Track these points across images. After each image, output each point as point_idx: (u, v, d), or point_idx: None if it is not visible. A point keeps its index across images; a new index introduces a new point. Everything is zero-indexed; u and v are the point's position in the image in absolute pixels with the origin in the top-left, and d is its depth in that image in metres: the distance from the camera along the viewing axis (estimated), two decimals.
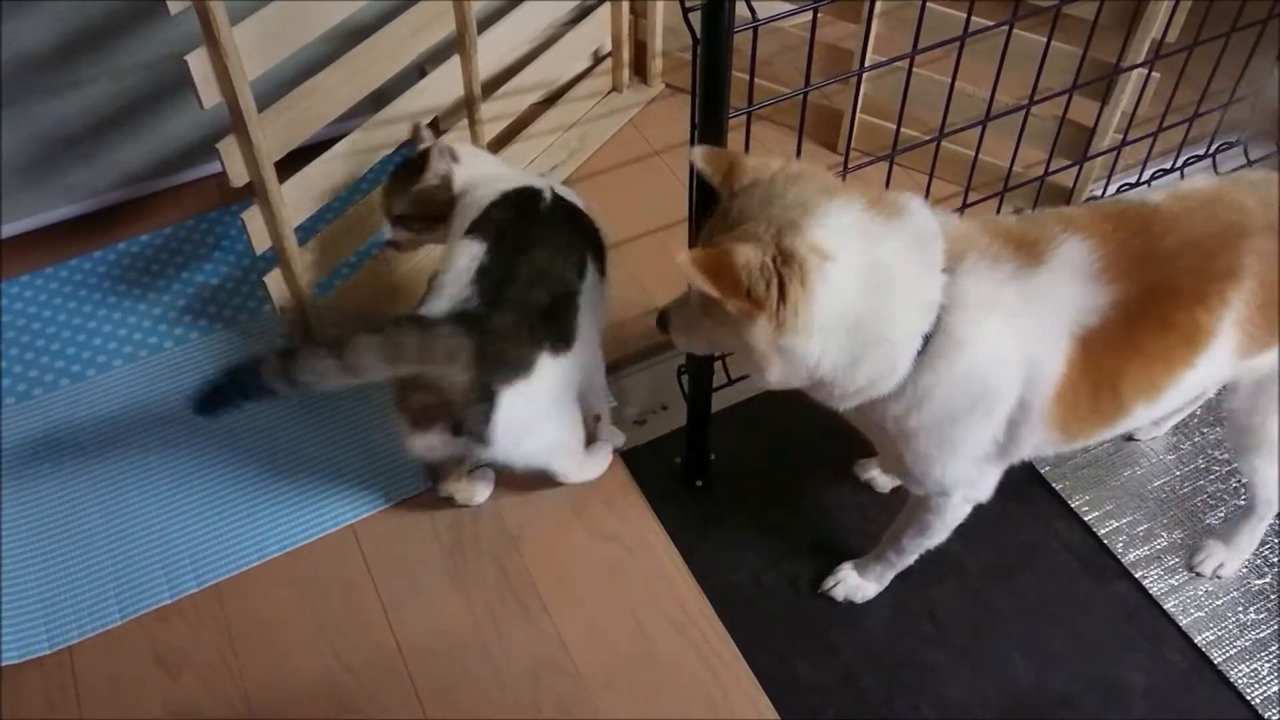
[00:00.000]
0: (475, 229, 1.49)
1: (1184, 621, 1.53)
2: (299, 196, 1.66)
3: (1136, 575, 1.58)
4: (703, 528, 1.64)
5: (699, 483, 1.72)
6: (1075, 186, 2.06)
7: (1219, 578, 1.58)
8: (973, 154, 1.79)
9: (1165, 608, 1.54)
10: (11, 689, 1.46)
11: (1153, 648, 1.51)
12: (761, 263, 1.06)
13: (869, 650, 1.52)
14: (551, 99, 2.23)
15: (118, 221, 2.09)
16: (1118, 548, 1.61)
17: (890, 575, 1.55)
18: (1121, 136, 1.94)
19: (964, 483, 1.31)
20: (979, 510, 1.65)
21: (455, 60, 1.83)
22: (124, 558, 1.59)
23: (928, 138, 1.70)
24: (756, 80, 1.36)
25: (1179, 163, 2.05)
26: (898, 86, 1.65)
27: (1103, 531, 1.62)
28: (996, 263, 1.15)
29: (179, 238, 2.06)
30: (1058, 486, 1.69)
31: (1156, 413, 1.28)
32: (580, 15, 2.20)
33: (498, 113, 2.02)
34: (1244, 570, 1.58)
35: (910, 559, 1.50)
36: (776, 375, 1.14)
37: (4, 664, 1.47)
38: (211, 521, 1.63)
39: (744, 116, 1.40)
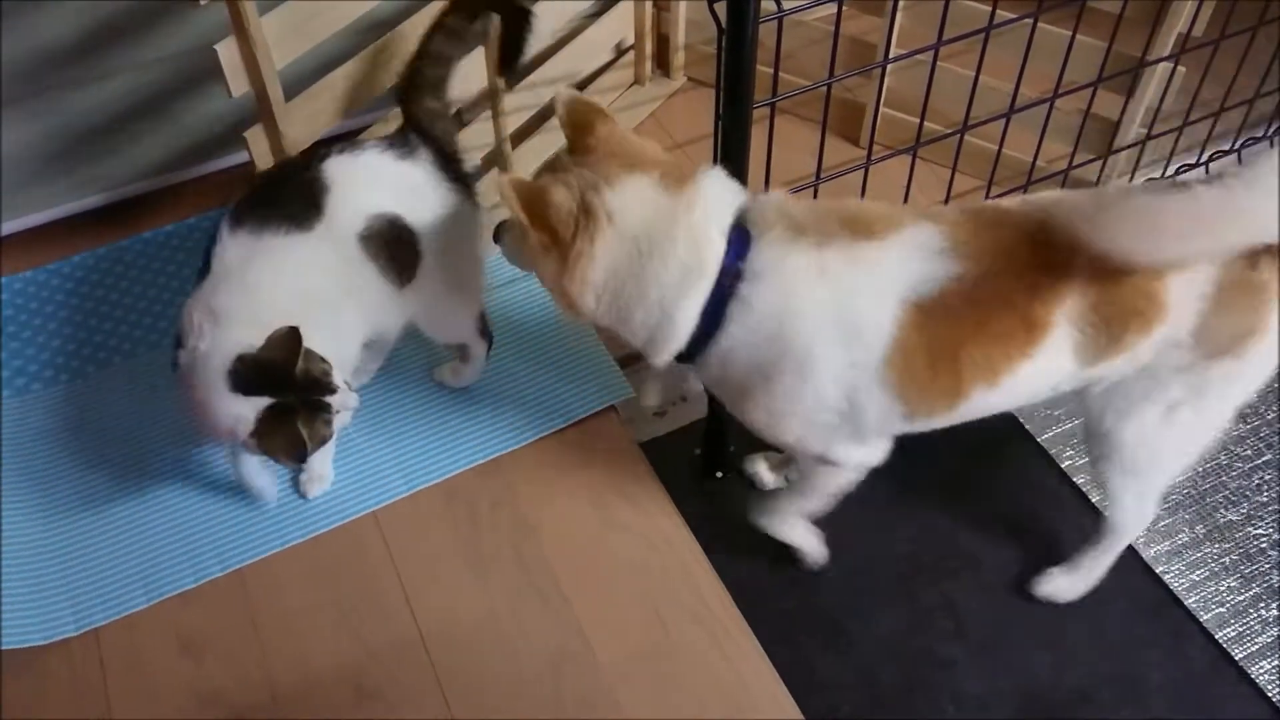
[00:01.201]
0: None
1: (1205, 617, 1.52)
2: None
3: (1157, 570, 1.58)
4: (722, 519, 1.65)
5: (719, 474, 1.73)
6: (1099, 181, 2.05)
7: (1053, 599, 1.56)
8: (996, 148, 1.79)
9: (1186, 604, 1.54)
10: (39, 669, 1.48)
11: (1173, 643, 1.51)
12: (569, 208, 1.21)
13: (888, 644, 1.52)
14: (576, 89, 2.23)
15: (142, 212, 2.11)
16: (1138, 542, 1.60)
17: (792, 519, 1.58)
18: (1146, 131, 1.93)
19: (827, 453, 1.36)
20: (997, 504, 1.66)
21: (479, 51, 1.83)
22: (148, 543, 1.61)
23: (950, 131, 1.70)
24: (779, 74, 1.36)
25: (1204, 157, 2.04)
26: (921, 80, 1.65)
27: None
28: (804, 234, 1.22)
29: (201, 228, 2.08)
30: (1078, 480, 1.69)
31: (998, 402, 1.30)
32: (603, 8, 2.20)
33: (519, 104, 2.03)
34: (1266, 566, 1.58)
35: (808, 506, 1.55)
36: (562, 311, 1.29)
37: (34, 644, 1.49)
38: (234, 507, 1.64)
39: (767, 108, 1.40)
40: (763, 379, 1.28)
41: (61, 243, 2.04)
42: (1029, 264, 1.20)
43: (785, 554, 1.60)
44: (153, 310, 1.94)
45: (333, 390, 1.36)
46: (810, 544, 1.59)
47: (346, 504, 1.66)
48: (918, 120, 1.67)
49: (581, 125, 1.27)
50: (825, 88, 1.48)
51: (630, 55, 2.31)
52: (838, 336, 1.22)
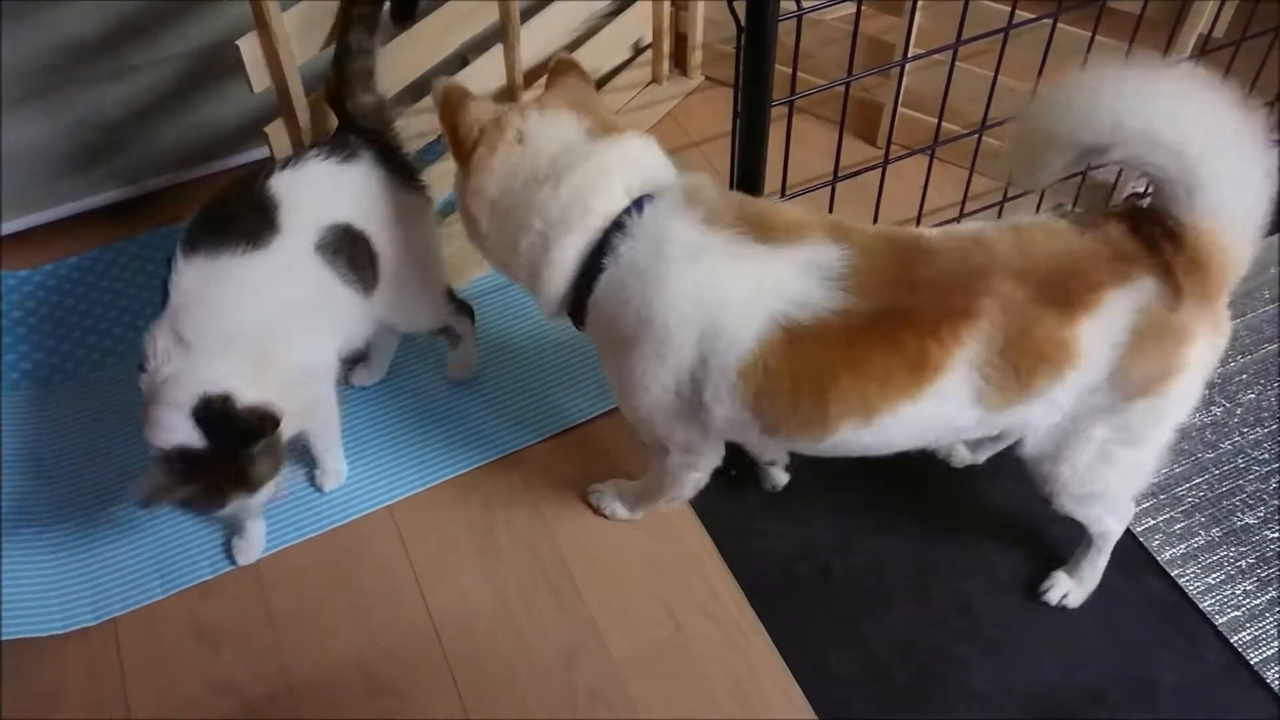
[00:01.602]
0: None
1: (1220, 620, 1.52)
2: None
3: (1173, 574, 1.57)
4: (734, 516, 1.65)
5: (732, 472, 1.72)
6: (1116, 184, 2.04)
7: (1065, 607, 1.55)
8: None
9: (1201, 606, 1.53)
10: (58, 657, 1.50)
11: (1188, 646, 1.50)
12: (480, 119, 1.27)
13: (900, 641, 1.52)
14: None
15: (161, 206, 2.12)
16: (1154, 545, 1.60)
17: (627, 506, 1.63)
18: None
19: (668, 438, 1.37)
20: (1011, 503, 1.65)
21: (498, 49, 1.84)
22: (166, 534, 1.62)
23: (968, 131, 1.70)
24: (797, 73, 1.36)
25: None
26: (939, 80, 1.65)
27: (1139, 529, 1.61)
28: (696, 208, 1.21)
29: None
30: None
31: (881, 442, 1.26)
32: (621, 7, 2.21)
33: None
34: None
35: (647, 506, 1.61)
36: (467, 229, 1.33)
37: (54, 633, 1.50)
38: None
39: (784, 106, 1.41)
40: (622, 345, 1.26)
41: (77, 237, 2.06)
42: (931, 304, 1.16)
43: (799, 552, 1.60)
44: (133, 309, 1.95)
45: (275, 430, 1.34)
46: (617, 512, 1.63)
47: (361, 498, 1.67)
48: (935, 120, 1.67)
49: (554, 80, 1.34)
50: (844, 87, 1.48)
51: (648, 54, 2.32)
52: (695, 329, 1.20)
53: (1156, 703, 1.45)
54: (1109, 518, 1.46)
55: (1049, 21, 1.59)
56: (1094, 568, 1.53)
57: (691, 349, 1.21)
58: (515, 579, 1.58)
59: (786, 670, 1.48)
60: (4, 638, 1.46)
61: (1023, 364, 1.18)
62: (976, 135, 1.66)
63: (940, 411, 1.21)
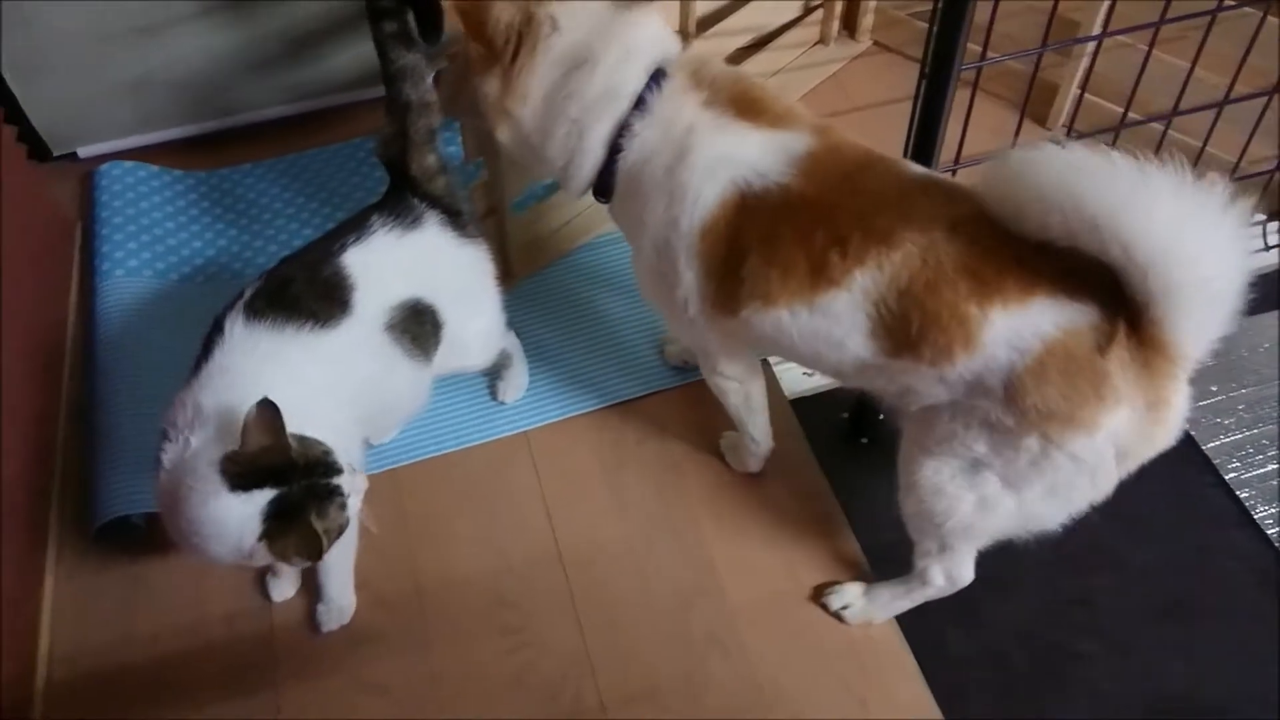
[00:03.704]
0: None
1: None
2: None
3: None
4: (863, 484, 1.64)
5: (864, 440, 1.72)
6: None
7: (840, 618, 1.49)
8: (1199, 143, 1.71)
9: None
10: None
11: None
12: (510, 21, 1.24)
13: (1021, 629, 1.50)
14: (758, 45, 2.22)
15: (329, 124, 2.19)
16: None
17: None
18: None
19: (677, 332, 1.44)
20: (1151, 506, 1.61)
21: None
22: None
23: (1155, 117, 1.63)
24: (970, 45, 1.31)
25: None
26: (1121, 64, 1.59)
27: None
28: (700, 89, 1.24)
29: (366, 149, 2.14)
30: (1242, 495, 1.62)
31: (775, 334, 1.24)
32: None
33: (705, 51, 2.03)
34: None
35: (743, 448, 1.61)
36: (504, 135, 1.32)
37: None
38: None
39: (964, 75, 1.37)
40: (629, 223, 1.33)
41: (249, 146, 2.15)
42: (856, 213, 1.14)
43: None
44: (301, 216, 2.03)
45: (338, 471, 1.20)
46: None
47: (500, 421, 1.71)
48: (1113, 106, 1.61)
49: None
50: (1036, 57, 1.44)
51: (819, 13, 2.29)
52: (667, 190, 1.24)
53: None
54: (935, 561, 1.37)
55: (1260, 9, 1.52)
56: (892, 600, 1.46)
57: (660, 211, 1.26)
58: (641, 516, 1.61)
59: (903, 641, 1.48)
60: (104, 519, 1.52)
61: (916, 318, 1.12)
62: (1165, 121, 1.60)
63: (831, 331, 1.19)
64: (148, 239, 1.93)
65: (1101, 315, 1.06)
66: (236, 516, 1.14)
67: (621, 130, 1.27)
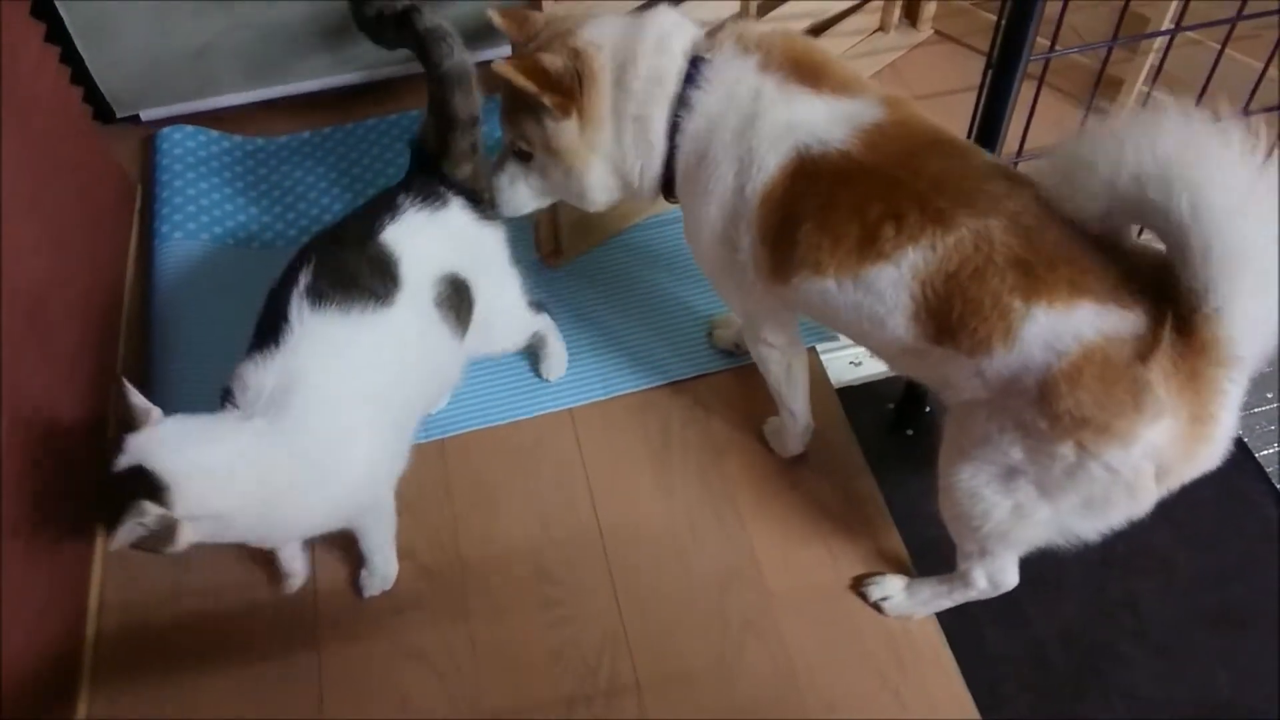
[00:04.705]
0: None
1: None
2: None
3: None
4: (908, 477, 1.63)
5: (910, 432, 1.71)
6: None
7: (880, 609, 1.48)
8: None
9: None
10: None
11: None
12: (564, 64, 1.27)
13: (1063, 629, 1.49)
14: (817, 29, 2.20)
15: (392, 94, 2.20)
16: None
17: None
18: None
19: (731, 303, 1.47)
20: (1202, 513, 1.59)
21: None
22: None
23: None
24: (1039, 36, 1.29)
25: None
26: (1189, 61, 1.56)
27: None
28: (751, 53, 1.26)
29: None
30: None
31: (822, 303, 1.25)
32: None
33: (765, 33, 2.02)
34: None
35: (785, 427, 1.61)
36: (595, 177, 1.36)
37: None
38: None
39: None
40: (692, 193, 1.32)
41: (309, 114, 2.16)
42: (916, 191, 1.13)
43: None
44: (355, 187, 2.03)
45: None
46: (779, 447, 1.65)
47: (545, 396, 1.72)
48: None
49: (521, 24, 1.37)
50: (1103, 51, 1.42)
51: (878, 0, 2.26)
52: (735, 155, 1.25)
53: None
54: (977, 564, 1.35)
55: None
56: (934, 598, 1.45)
57: (728, 179, 1.26)
58: (683, 497, 1.61)
59: (941, 636, 1.47)
60: None
61: (958, 304, 1.11)
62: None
63: (875, 307, 1.18)
64: (206, 203, 1.96)
65: (1148, 326, 1.04)
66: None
67: (676, 115, 1.29)
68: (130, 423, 1.20)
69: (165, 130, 2.06)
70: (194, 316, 1.77)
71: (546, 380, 1.73)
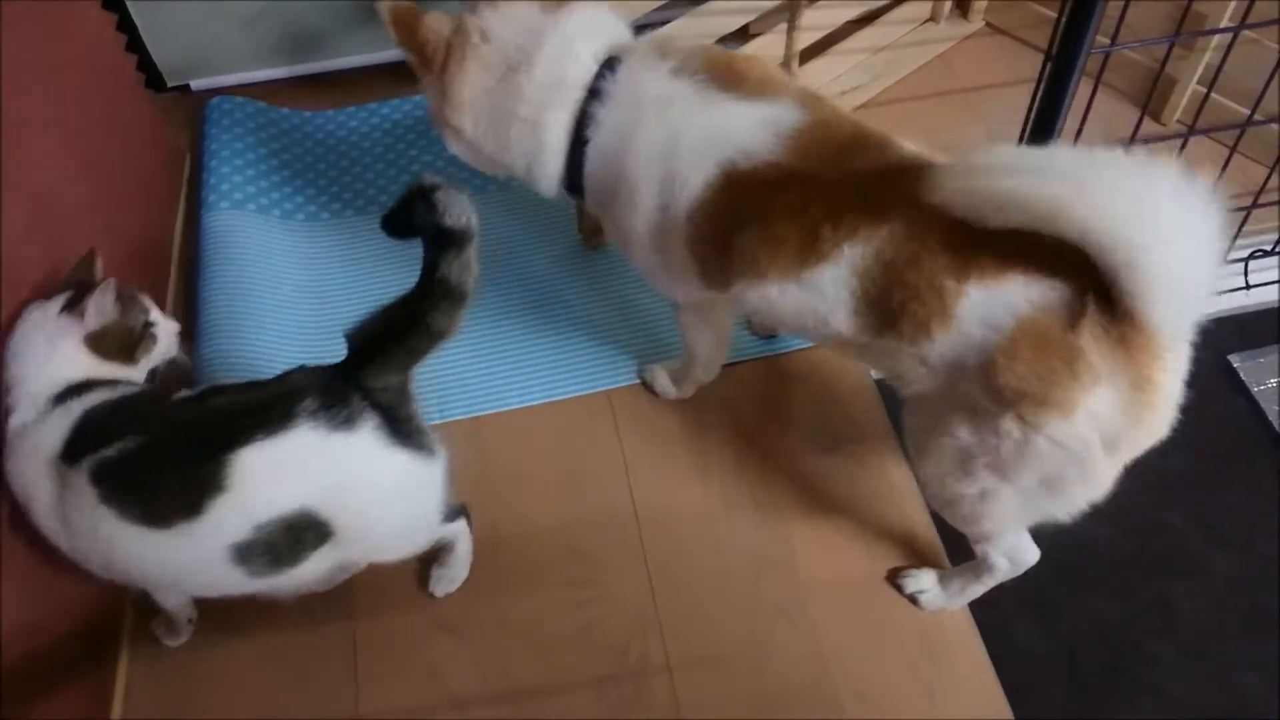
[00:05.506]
0: None
1: None
2: None
3: None
4: None
5: None
6: None
7: (915, 602, 1.48)
8: None
9: None
10: None
11: None
12: (439, 31, 1.28)
13: (1095, 627, 1.49)
14: (868, 19, 2.19)
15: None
16: None
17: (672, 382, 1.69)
18: None
19: (670, 292, 1.44)
20: (1237, 515, 1.58)
21: None
22: None
23: (1273, 120, 1.58)
24: (1098, 34, 1.28)
25: None
26: (1246, 61, 1.53)
27: None
28: (666, 60, 1.24)
29: None
30: None
31: (763, 306, 1.25)
32: None
33: (814, 22, 2.01)
34: None
35: (686, 377, 1.66)
36: (452, 146, 1.36)
37: None
38: (485, 360, 1.75)
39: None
40: (611, 202, 1.31)
41: (356, 89, 2.18)
42: (848, 191, 1.13)
43: None
44: (400, 163, 2.05)
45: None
46: (666, 389, 1.68)
47: (582, 378, 1.73)
48: (1232, 104, 1.55)
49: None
50: (1162, 47, 1.40)
51: None
52: (657, 176, 1.24)
53: None
54: (987, 546, 1.35)
55: None
56: (965, 587, 1.45)
57: (652, 198, 1.26)
58: (719, 483, 1.62)
59: (975, 630, 1.47)
60: None
61: (897, 292, 1.12)
62: None
63: (818, 306, 1.19)
64: (253, 173, 1.97)
65: (1075, 294, 1.05)
66: None
67: (583, 119, 1.28)
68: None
69: (215, 100, 2.08)
70: (237, 284, 1.78)
71: (432, 595, 1.50)
